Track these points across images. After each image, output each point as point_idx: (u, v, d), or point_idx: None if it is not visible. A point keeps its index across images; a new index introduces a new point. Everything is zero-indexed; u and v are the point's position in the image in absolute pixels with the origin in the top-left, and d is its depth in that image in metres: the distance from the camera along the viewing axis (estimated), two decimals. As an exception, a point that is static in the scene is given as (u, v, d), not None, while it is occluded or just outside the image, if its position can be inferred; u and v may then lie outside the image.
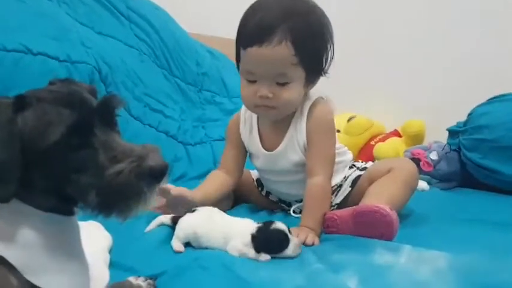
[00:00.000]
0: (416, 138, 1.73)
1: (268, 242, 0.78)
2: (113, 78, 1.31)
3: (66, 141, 0.45)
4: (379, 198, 0.96)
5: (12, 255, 0.43)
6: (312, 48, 0.98)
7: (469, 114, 1.53)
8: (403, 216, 1.08)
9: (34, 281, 0.43)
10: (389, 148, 1.74)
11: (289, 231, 0.81)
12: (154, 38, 1.60)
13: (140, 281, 0.64)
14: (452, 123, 1.60)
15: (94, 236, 0.74)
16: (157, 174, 0.46)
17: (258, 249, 0.78)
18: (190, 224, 0.84)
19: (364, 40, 2.21)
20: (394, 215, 0.88)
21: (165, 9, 1.77)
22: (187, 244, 0.84)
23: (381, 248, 0.81)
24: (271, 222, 0.82)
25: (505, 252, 0.83)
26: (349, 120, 2.00)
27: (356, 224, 0.90)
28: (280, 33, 0.93)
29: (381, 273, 0.71)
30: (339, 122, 2.02)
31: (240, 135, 1.12)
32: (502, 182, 1.41)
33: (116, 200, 0.45)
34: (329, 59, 1.06)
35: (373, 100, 2.14)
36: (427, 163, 1.50)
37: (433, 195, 1.38)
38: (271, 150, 1.08)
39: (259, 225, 0.81)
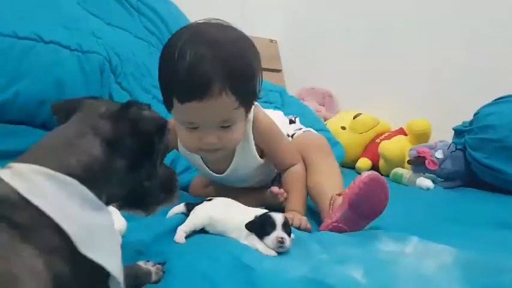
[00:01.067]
0: (422, 137, 1.73)
1: (256, 225, 0.79)
2: (123, 69, 1.31)
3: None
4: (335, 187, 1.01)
5: (74, 230, 0.46)
6: (248, 86, 0.93)
7: (475, 114, 1.53)
8: (407, 214, 1.10)
9: (90, 255, 0.46)
10: (395, 146, 1.74)
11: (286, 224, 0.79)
12: (164, 30, 1.61)
13: (149, 266, 0.65)
14: (457, 122, 1.60)
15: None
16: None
17: (250, 230, 0.79)
18: (207, 209, 0.86)
19: (371, 38, 2.21)
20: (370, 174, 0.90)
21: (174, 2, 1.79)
22: (197, 232, 0.85)
23: (387, 239, 0.82)
24: (271, 211, 0.82)
25: (509, 251, 0.83)
26: (354, 117, 2.00)
27: (358, 214, 0.90)
28: (218, 83, 0.86)
29: (387, 265, 0.72)
30: (345, 119, 2.03)
31: (176, 143, 1.06)
32: (507, 182, 1.41)
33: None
34: (261, 84, 0.97)
35: (379, 98, 2.14)
36: (433, 162, 1.50)
37: (437, 194, 1.38)
38: (221, 173, 1.09)
39: (262, 213, 0.82)
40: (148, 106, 0.58)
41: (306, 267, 0.69)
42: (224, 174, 1.08)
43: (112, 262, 0.49)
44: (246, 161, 1.07)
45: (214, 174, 1.09)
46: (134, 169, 0.54)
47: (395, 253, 0.77)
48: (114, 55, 1.29)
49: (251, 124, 1.03)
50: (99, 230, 0.49)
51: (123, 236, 0.77)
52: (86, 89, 1.17)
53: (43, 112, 1.13)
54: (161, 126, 0.54)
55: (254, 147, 1.05)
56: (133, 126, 0.53)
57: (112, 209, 0.77)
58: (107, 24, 1.43)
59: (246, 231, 0.80)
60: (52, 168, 0.48)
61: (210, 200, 0.91)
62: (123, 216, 0.76)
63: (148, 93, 1.40)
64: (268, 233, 0.76)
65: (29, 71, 1.10)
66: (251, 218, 0.82)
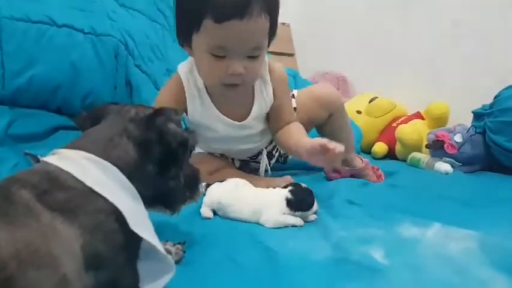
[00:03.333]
0: (440, 121, 1.70)
1: (302, 201, 0.83)
2: (139, 52, 1.30)
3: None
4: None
5: (123, 208, 0.48)
6: (278, 13, 0.93)
7: (496, 97, 1.50)
8: (426, 197, 1.08)
9: (139, 232, 0.49)
10: (412, 130, 1.71)
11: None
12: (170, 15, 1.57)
13: (169, 246, 0.64)
14: (473, 106, 1.57)
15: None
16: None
17: (293, 209, 0.82)
18: (217, 192, 0.85)
19: (386, 20, 2.17)
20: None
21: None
22: (215, 213, 0.86)
23: (408, 223, 0.82)
24: (298, 184, 0.87)
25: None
26: (370, 101, 1.97)
27: None
28: (258, 3, 0.86)
29: (408, 246, 0.72)
30: (361, 103, 2.00)
31: (181, 103, 1.00)
32: (527, 165, 1.38)
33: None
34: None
35: (395, 81, 2.10)
36: (452, 145, 1.48)
37: (456, 178, 1.36)
38: (239, 121, 1.05)
39: (291, 188, 0.85)
40: (176, 112, 0.59)
41: (328, 247, 0.69)
42: (245, 121, 1.05)
43: (155, 241, 0.51)
44: (265, 106, 1.05)
45: (236, 122, 1.05)
46: (161, 173, 0.56)
47: (417, 236, 0.77)
48: (129, 38, 1.28)
49: (266, 67, 1.03)
50: (138, 213, 0.51)
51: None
52: (101, 72, 1.17)
53: (58, 96, 1.13)
54: (183, 142, 0.57)
55: (271, 90, 1.04)
56: (160, 136, 0.55)
57: None
58: (120, 5, 1.41)
59: (267, 211, 0.81)
60: (98, 156, 0.50)
61: (222, 181, 0.90)
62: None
63: (165, 75, 1.38)
64: (313, 203, 0.83)
65: (43, 56, 1.09)
66: (267, 198, 0.83)
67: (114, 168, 0.50)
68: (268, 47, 0.95)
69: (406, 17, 2.10)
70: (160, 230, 0.74)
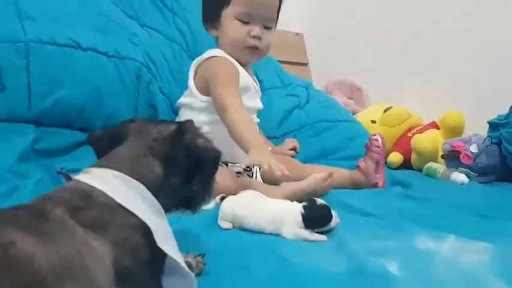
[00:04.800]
0: (455, 131, 1.70)
1: (317, 218, 0.84)
2: (159, 73, 1.34)
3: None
4: None
5: (151, 224, 0.52)
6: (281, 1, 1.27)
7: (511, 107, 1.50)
8: (442, 208, 1.09)
9: (164, 248, 0.52)
10: (427, 140, 1.72)
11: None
12: (188, 35, 1.59)
13: (190, 258, 0.67)
14: (491, 116, 1.57)
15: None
16: None
17: (308, 226, 0.83)
18: (230, 205, 0.88)
19: (400, 29, 2.18)
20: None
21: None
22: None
23: (424, 235, 0.83)
24: (313, 199, 0.87)
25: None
26: (385, 110, 1.97)
27: None
28: None
29: (423, 260, 0.73)
30: (375, 112, 2.00)
31: (238, 74, 1.22)
32: (543, 176, 1.38)
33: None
34: None
35: (410, 91, 2.11)
36: (467, 156, 1.49)
37: (472, 189, 1.37)
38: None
39: (304, 204, 0.86)
40: (199, 130, 0.63)
41: (343, 260, 0.71)
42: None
43: (179, 257, 0.54)
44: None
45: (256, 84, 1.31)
46: (186, 183, 0.59)
47: (432, 249, 0.78)
48: (149, 61, 1.32)
49: None
50: (163, 230, 0.54)
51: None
52: (123, 94, 1.22)
53: (82, 118, 1.18)
54: (216, 158, 0.61)
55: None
56: (188, 152, 0.58)
57: None
58: (142, 26, 1.45)
59: (287, 223, 0.83)
60: (125, 174, 0.54)
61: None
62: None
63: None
64: (330, 220, 0.84)
65: (69, 79, 1.14)
66: (285, 209, 0.85)
67: (141, 185, 0.54)
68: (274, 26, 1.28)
69: (421, 26, 2.11)
70: (181, 241, 0.77)
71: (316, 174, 1.11)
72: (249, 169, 1.24)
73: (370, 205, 1.04)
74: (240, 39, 1.21)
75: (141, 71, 1.27)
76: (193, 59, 1.56)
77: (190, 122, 0.63)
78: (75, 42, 1.17)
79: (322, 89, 2.25)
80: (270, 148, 1.26)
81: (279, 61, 1.94)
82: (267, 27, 1.22)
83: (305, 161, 1.44)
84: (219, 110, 1.15)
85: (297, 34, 2.56)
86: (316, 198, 0.88)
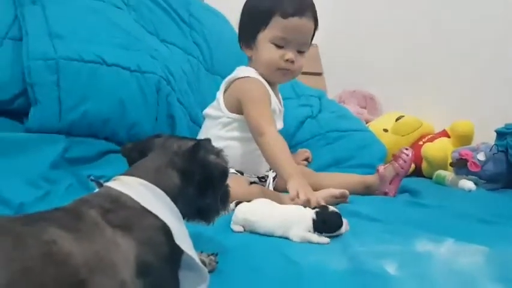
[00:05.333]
0: (464, 139, 1.74)
1: (328, 223, 0.89)
2: (177, 85, 1.42)
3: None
4: None
5: (171, 225, 0.59)
6: (317, 25, 1.28)
7: (519, 116, 1.54)
8: (446, 214, 1.14)
9: (181, 246, 0.59)
10: (438, 148, 1.76)
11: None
12: (205, 48, 1.67)
13: (203, 257, 0.73)
14: (501, 124, 1.60)
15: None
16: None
17: (318, 230, 0.88)
18: (243, 211, 0.93)
19: (413, 40, 2.22)
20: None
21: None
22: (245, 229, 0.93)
23: (424, 238, 0.87)
24: (326, 206, 0.93)
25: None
26: (397, 119, 2.02)
27: None
28: (310, 10, 1.24)
29: (420, 261, 0.78)
30: (387, 121, 2.05)
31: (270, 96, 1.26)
32: (549, 183, 1.41)
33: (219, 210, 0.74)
34: None
35: (422, 100, 2.15)
36: (475, 164, 1.52)
37: (479, 195, 1.40)
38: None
39: (317, 210, 0.92)
40: (213, 148, 0.70)
41: (345, 260, 0.77)
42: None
43: (194, 254, 0.61)
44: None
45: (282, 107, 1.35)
46: (200, 195, 0.66)
47: (431, 251, 0.83)
48: (169, 74, 1.40)
49: None
50: (181, 231, 0.61)
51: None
52: (144, 106, 1.30)
53: (107, 128, 1.27)
54: (223, 173, 0.68)
55: None
56: (201, 167, 0.65)
57: None
58: (161, 41, 1.54)
59: (295, 226, 0.89)
60: (149, 182, 0.62)
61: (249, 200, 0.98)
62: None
63: (199, 107, 1.48)
64: (341, 226, 0.89)
65: (95, 93, 1.23)
66: (295, 214, 0.91)
67: (162, 192, 0.61)
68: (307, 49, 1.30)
69: (434, 37, 2.15)
70: (196, 241, 0.84)
71: (332, 190, 1.18)
72: (263, 179, 1.31)
73: (377, 211, 1.09)
74: (273, 62, 1.24)
75: (160, 84, 1.35)
76: (209, 71, 1.66)
77: (207, 140, 0.71)
78: (101, 58, 1.26)
79: (335, 98, 2.30)
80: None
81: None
82: (300, 51, 1.26)
83: (317, 169, 1.49)
84: (255, 133, 1.19)
85: (312, 45, 2.62)
86: (329, 206, 0.94)
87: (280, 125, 1.34)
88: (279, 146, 1.15)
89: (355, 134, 1.77)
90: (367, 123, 2.13)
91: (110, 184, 0.61)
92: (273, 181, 1.33)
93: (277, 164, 1.13)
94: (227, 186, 0.76)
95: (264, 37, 1.23)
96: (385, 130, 2.01)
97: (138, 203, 0.58)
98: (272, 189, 1.29)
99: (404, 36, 2.27)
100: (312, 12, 1.24)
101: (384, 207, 1.16)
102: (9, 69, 1.21)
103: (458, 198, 1.38)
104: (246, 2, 1.29)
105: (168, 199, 0.61)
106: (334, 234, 0.89)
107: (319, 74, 2.64)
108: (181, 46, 1.58)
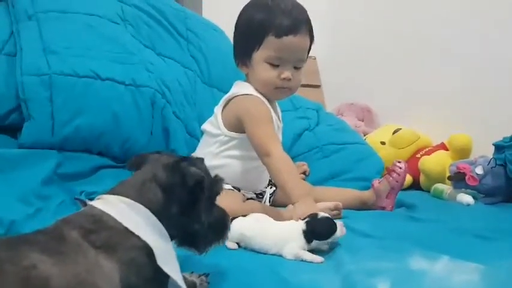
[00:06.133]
0: (463, 152, 1.73)
1: (320, 230, 0.88)
2: (174, 99, 1.42)
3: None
4: None
5: (154, 246, 0.58)
6: (313, 39, 1.24)
7: (516, 129, 1.53)
8: (442, 229, 1.12)
9: (165, 268, 0.58)
10: (435, 162, 1.75)
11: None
12: (202, 62, 1.66)
13: (194, 277, 0.72)
14: (499, 137, 1.59)
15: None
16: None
17: (311, 240, 0.87)
18: (239, 226, 0.92)
19: (410, 53, 2.23)
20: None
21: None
22: (239, 245, 0.93)
23: (419, 255, 0.87)
24: (315, 214, 0.92)
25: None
26: (394, 132, 2.01)
27: None
28: (304, 27, 1.19)
29: (414, 279, 0.77)
30: (385, 134, 2.04)
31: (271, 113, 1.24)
32: (548, 197, 1.40)
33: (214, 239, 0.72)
34: None
35: (419, 113, 2.14)
36: (473, 177, 1.51)
37: (477, 210, 1.39)
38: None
39: (307, 220, 0.90)
40: (201, 161, 0.69)
41: (338, 279, 0.76)
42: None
43: (179, 278, 0.60)
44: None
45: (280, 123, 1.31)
46: (185, 214, 0.64)
47: (425, 269, 0.82)
48: (164, 87, 1.40)
49: None
50: (166, 250, 0.60)
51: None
52: (138, 120, 1.29)
53: (101, 143, 1.26)
54: (199, 181, 0.64)
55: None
56: (182, 179, 0.64)
57: None
58: (157, 54, 1.54)
59: (288, 244, 0.87)
60: (132, 199, 0.61)
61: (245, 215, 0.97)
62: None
63: (196, 120, 1.48)
64: (335, 230, 0.88)
65: (89, 107, 1.23)
66: (288, 231, 0.89)
67: (146, 210, 0.60)
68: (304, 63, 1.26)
69: (431, 50, 2.15)
70: (187, 260, 0.83)
71: (326, 203, 1.16)
72: (261, 196, 1.30)
73: (372, 227, 1.08)
74: (270, 82, 1.20)
75: (155, 97, 1.35)
76: (207, 84, 1.66)
77: (200, 159, 0.70)
78: (95, 73, 1.25)
79: (333, 111, 2.30)
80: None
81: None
82: (297, 67, 1.21)
83: (315, 182, 1.48)
84: (261, 153, 1.16)
85: (311, 57, 2.63)
86: (319, 213, 0.93)
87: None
88: (286, 168, 1.14)
89: (352, 147, 1.76)
90: (364, 135, 2.12)
91: (93, 203, 0.61)
92: (270, 197, 1.32)
93: (285, 186, 1.12)
94: (224, 215, 0.74)
95: (259, 57, 1.19)
96: (383, 143, 2.00)
97: (120, 223, 0.57)
98: (269, 205, 1.28)
99: (403, 50, 2.27)
100: (306, 27, 1.20)
101: (378, 223, 1.15)
102: (4, 85, 1.21)
103: (456, 212, 1.37)
104: (238, 18, 1.25)
105: (152, 217, 0.60)
106: (330, 240, 0.88)
107: (318, 87, 2.64)
108: (178, 59, 1.58)
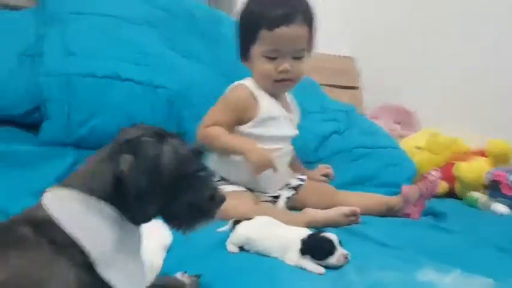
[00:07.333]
0: (501, 159, 1.63)
1: (314, 248, 0.84)
2: (192, 99, 1.41)
3: (192, 172, 0.62)
4: None
5: (94, 249, 0.55)
6: (314, 28, 1.23)
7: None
8: (466, 241, 1.06)
9: (104, 273, 0.55)
10: (471, 168, 1.65)
11: (340, 242, 0.85)
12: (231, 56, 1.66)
13: (185, 278, 0.71)
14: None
15: (156, 234, 0.83)
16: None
17: (304, 253, 0.84)
18: (246, 229, 0.91)
19: (450, 57, 2.13)
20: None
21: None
22: (241, 248, 0.90)
23: (430, 267, 0.82)
24: (322, 231, 0.89)
25: None
26: (431, 137, 1.93)
27: None
28: (300, 16, 1.17)
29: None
30: (421, 139, 1.96)
31: (251, 105, 1.21)
32: None
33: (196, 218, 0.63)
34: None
35: (459, 117, 2.05)
36: (508, 186, 1.42)
37: (508, 221, 1.31)
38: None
39: (311, 232, 0.87)
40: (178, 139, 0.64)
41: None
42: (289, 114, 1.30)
43: (120, 280, 0.56)
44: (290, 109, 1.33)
45: (288, 114, 1.29)
46: (143, 198, 0.58)
47: (434, 282, 0.77)
48: (186, 89, 1.40)
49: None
50: (114, 250, 0.57)
51: (168, 249, 0.86)
52: (153, 121, 1.29)
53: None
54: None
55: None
56: (135, 151, 0.60)
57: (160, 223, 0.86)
58: (183, 56, 1.53)
59: (291, 250, 0.85)
60: (82, 191, 0.57)
61: (250, 219, 0.95)
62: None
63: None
64: (331, 253, 0.83)
65: (104, 108, 1.26)
66: (293, 237, 0.87)
67: (96, 201, 0.56)
68: (309, 52, 1.25)
69: (474, 53, 2.05)
70: (184, 260, 0.82)
71: (342, 208, 1.13)
72: (276, 199, 1.29)
73: (389, 235, 1.04)
74: (268, 75, 1.20)
75: (173, 98, 1.36)
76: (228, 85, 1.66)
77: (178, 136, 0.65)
78: (116, 73, 1.29)
79: (371, 112, 2.24)
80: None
81: (330, 85, 1.93)
82: (297, 58, 1.20)
83: (340, 187, 1.44)
84: (202, 123, 1.20)
85: (349, 58, 2.58)
86: (325, 231, 0.89)
87: (288, 131, 1.30)
88: (223, 133, 1.17)
89: (383, 151, 1.70)
90: (401, 138, 2.05)
91: (44, 197, 0.58)
92: (287, 199, 1.30)
93: (228, 145, 1.16)
94: (212, 195, 0.64)
95: (256, 52, 1.19)
96: (418, 148, 1.92)
97: (63, 227, 0.55)
98: (285, 208, 1.26)
99: (446, 51, 2.17)
100: (303, 16, 1.18)
101: (398, 231, 1.10)
102: (27, 85, 1.26)
103: (486, 223, 1.28)
104: (239, 13, 1.25)
105: (102, 206, 0.57)
106: (324, 262, 0.83)
107: (356, 88, 2.59)
108: (199, 60, 1.57)
